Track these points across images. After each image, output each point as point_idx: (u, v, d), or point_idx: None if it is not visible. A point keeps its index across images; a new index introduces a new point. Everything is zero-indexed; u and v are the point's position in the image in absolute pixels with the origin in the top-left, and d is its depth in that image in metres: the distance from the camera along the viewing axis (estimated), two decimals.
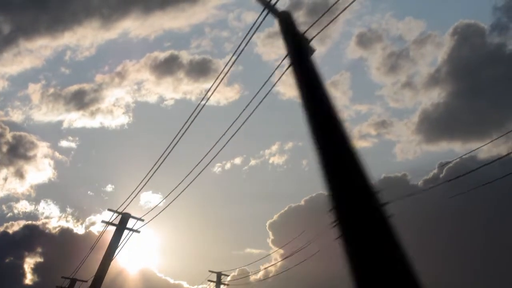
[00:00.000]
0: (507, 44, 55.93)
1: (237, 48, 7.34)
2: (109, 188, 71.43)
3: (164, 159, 10.06)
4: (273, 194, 79.79)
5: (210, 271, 22.33)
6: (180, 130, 9.21)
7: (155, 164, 10.44)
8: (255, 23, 6.81)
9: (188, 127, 8.99)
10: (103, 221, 13.62)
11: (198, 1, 67.95)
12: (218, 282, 22.18)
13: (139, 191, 12.62)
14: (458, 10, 76.53)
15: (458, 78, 57.78)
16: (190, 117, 8.80)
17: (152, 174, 10.84)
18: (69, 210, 72.24)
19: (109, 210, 13.63)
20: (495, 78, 49.20)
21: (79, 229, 58.64)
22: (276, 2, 6.49)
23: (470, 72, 54.68)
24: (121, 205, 13.47)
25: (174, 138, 9.50)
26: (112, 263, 15.41)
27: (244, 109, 7.66)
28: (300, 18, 71.27)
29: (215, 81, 8.03)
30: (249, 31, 6.93)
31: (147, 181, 11.42)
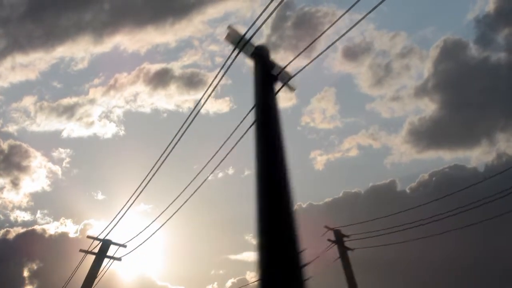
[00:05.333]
0: (492, 56, 59.83)
1: (224, 64, 7.18)
2: (100, 196, 73.61)
3: (161, 164, 9.69)
4: None
5: (326, 227, 15.80)
6: (172, 141, 9.23)
7: (149, 173, 10.01)
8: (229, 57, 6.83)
9: (180, 138, 8.92)
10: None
11: (186, 16, 67.99)
12: (340, 241, 15.51)
13: None
14: (441, 24, 75.78)
15: (445, 90, 59.75)
16: (180, 129, 8.73)
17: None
18: (64, 216, 74.21)
19: None
20: (481, 89, 52.30)
21: (76, 234, 58.72)
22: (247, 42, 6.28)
23: (456, 84, 57.04)
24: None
25: (165, 150, 9.41)
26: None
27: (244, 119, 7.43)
28: (286, 31, 68.64)
29: (204, 94, 7.99)
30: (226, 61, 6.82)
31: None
